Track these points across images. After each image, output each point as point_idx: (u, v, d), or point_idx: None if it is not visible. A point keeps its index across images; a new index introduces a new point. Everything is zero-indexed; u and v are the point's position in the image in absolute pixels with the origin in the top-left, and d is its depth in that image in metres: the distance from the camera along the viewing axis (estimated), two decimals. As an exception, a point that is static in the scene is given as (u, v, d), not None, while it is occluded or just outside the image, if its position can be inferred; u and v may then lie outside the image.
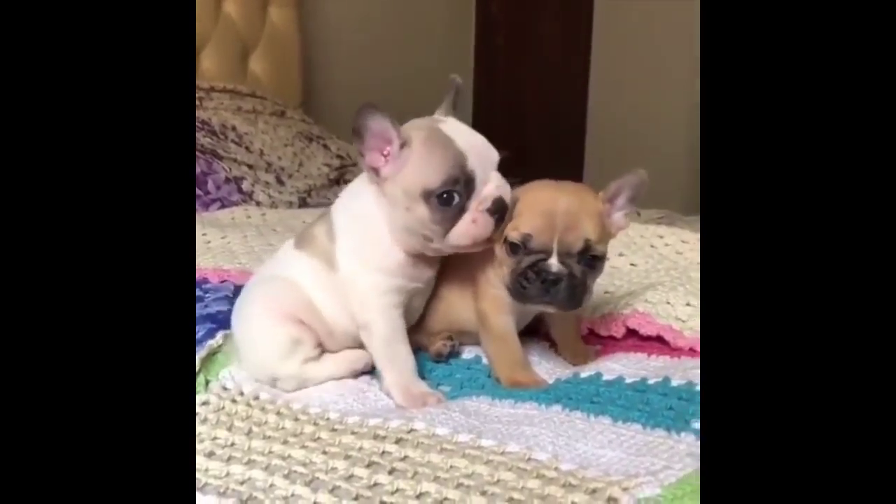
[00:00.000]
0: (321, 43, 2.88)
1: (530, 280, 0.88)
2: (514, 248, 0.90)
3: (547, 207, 0.89)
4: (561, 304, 0.90)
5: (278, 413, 0.84)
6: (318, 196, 2.16)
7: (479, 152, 0.89)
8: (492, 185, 0.89)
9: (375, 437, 0.76)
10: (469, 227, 0.88)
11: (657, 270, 1.29)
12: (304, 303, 0.95)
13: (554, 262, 0.88)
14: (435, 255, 0.94)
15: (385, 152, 0.89)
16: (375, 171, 0.90)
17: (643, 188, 0.91)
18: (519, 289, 0.90)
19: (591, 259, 0.89)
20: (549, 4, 3.48)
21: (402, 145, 0.88)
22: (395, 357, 0.93)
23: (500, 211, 0.89)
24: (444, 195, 0.86)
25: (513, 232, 0.90)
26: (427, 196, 0.87)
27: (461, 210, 0.88)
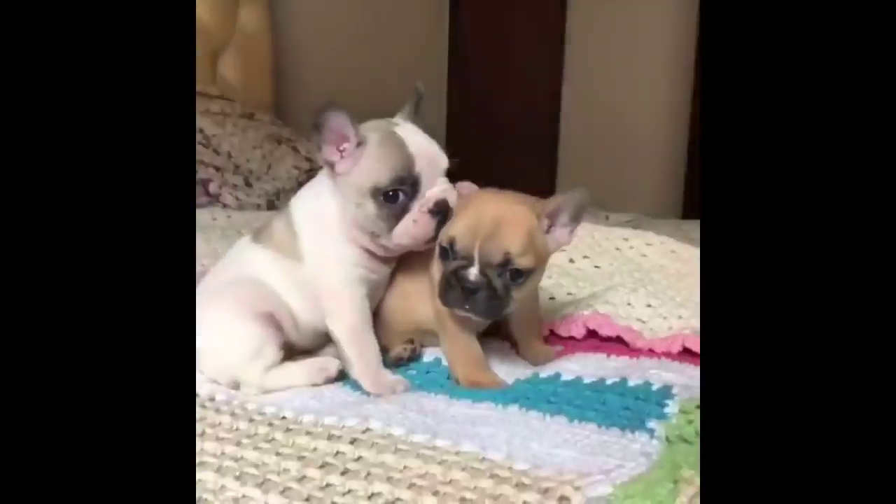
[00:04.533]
0: (292, 45, 2.86)
1: (452, 286, 0.88)
2: (443, 251, 0.91)
3: (474, 214, 0.89)
4: (479, 314, 0.90)
5: (232, 414, 0.83)
6: (286, 198, 2.09)
7: (429, 157, 0.94)
8: (437, 188, 0.93)
9: (330, 437, 0.75)
10: (410, 226, 0.93)
11: (620, 273, 1.29)
12: (272, 296, 0.97)
13: (473, 272, 0.87)
14: (384, 254, 0.98)
15: (342, 148, 0.93)
16: (331, 166, 0.94)
17: (585, 207, 0.91)
18: (442, 293, 0.90)
19: (515, 272, 0.87)
20: (521, 12, 3.48)
21: (359, 144, 0.93)
22: (362, 346, 0.96)
23: (443, 212, 0.93)
24: (390, 193, 0.91)
25: (443, 235, 0.91)
26: (375, 193, 0.92)
27: (404, 209, 0.92)
